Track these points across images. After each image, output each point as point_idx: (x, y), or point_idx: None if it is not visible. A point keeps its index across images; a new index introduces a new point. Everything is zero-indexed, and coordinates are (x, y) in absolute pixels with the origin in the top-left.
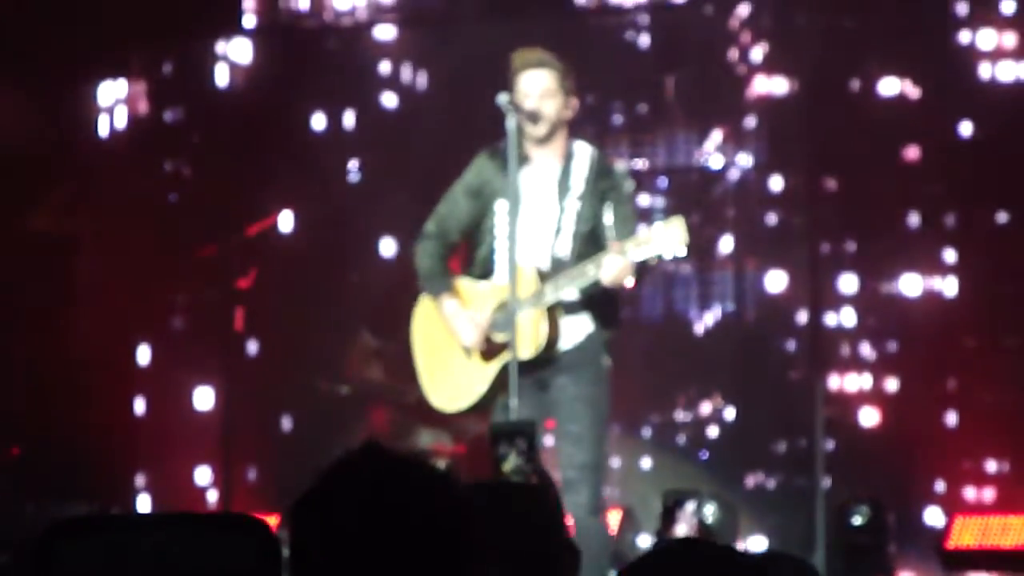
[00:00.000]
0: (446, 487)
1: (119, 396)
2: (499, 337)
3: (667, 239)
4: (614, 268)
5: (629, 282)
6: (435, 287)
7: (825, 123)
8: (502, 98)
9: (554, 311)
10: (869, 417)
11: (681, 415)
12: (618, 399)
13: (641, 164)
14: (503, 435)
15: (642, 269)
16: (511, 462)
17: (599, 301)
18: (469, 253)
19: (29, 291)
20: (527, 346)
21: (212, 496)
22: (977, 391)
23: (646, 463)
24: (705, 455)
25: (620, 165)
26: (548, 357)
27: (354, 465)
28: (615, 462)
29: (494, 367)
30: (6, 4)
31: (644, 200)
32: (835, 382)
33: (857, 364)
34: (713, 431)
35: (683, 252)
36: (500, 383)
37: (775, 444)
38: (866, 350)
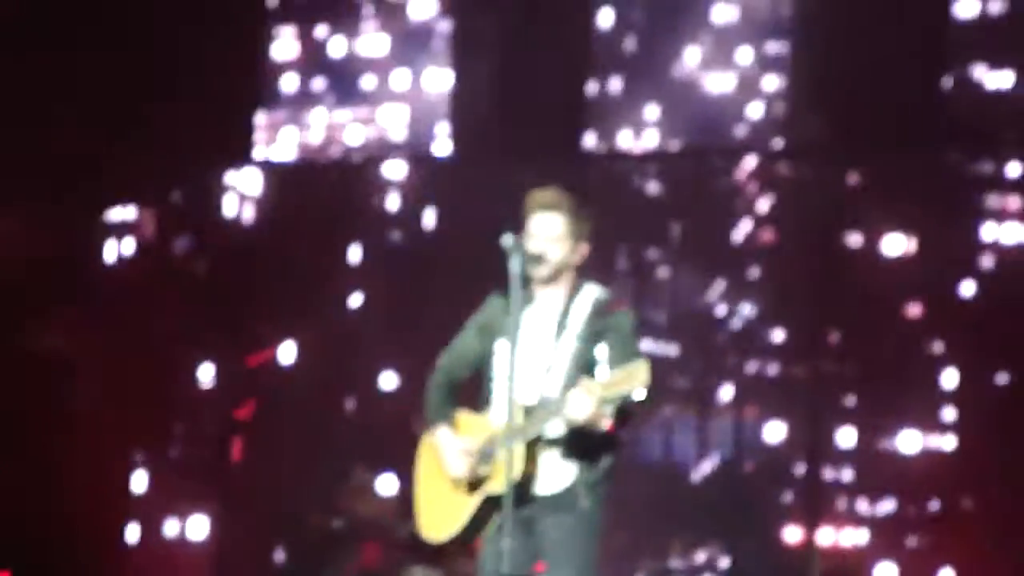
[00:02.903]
0: None
1: (112, 523)
2: (482, 470)
3: (628, 381)
4: (578, 405)
5: (605, 424)
6: (435, 418)
7: (827, 277)
8: (506, 239)
9: (533, 448)
10: (869, 572)
11: (675, 562)
12: (612, 543)
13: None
14: None
15: (622, 413)
16: None
17: (586, 445)
18: (479, 390)
19: (28, 413)
20: (502, 480)
21: None
22: (969, 549)
23: None
24: None
25: (623, 308)
26: (528, 496)
27: None
28: None
29: (475, 499)
30: (22, 126)
31: (646, 345)
32: (830, 536)
33: (854, 519)
34: None
35: (642, 396)
36: (481, 516)
37: None
38: (863, 506)
